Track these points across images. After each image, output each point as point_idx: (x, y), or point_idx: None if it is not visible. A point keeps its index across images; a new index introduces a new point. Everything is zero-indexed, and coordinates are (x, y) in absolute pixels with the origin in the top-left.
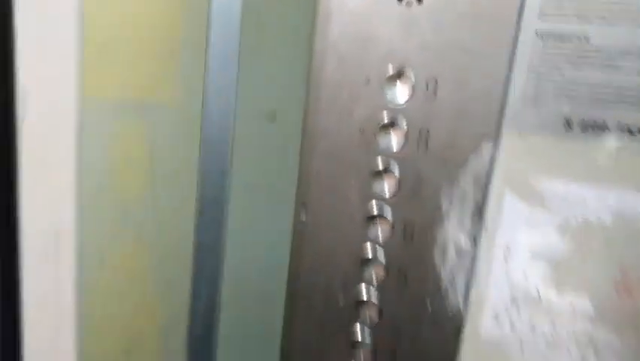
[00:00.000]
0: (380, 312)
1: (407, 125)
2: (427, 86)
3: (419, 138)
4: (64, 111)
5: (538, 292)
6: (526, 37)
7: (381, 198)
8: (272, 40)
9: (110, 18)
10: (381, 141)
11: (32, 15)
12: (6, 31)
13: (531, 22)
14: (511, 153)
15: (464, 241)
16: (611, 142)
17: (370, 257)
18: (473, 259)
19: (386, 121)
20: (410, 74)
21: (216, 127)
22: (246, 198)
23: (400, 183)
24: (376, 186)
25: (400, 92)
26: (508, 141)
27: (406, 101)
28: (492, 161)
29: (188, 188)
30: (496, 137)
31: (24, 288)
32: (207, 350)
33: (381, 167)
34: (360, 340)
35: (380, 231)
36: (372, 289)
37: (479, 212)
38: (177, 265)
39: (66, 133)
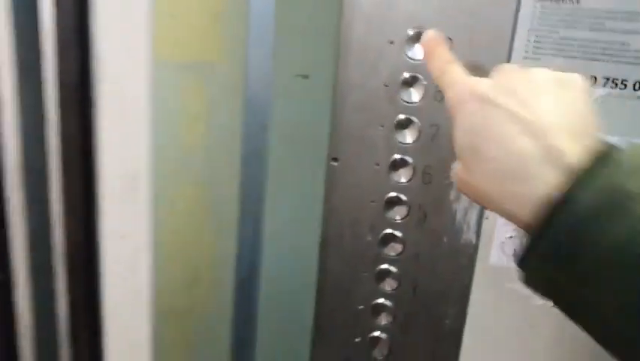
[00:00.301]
0: (403, 246)
1: (426, 79)
2: None
3: (436, 91)
4: (137, 73)
5: None
6: (527, 1)
7: (403, 145)
8: (304, 5)
9: None
10: (403, 94)
11: None
12: (83, 1)
13: None
14: None
15: None
16: (598, 92)
17: (394, 198)
18: None
19: (407, 76)
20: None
21: (257, 85)
22: (284, 146)
23: (420, 131)
24: (399, 135)
25: (420, 51)
26: None
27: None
28: None
29: (236, 138)
30: None
31: (104, 226)
32: (252, 282)
33: (403, 117)
34: (385, 269)
35: (402, 174)
36: (396, 226)
37: None
38: (227, 206)
39: (140, 91)
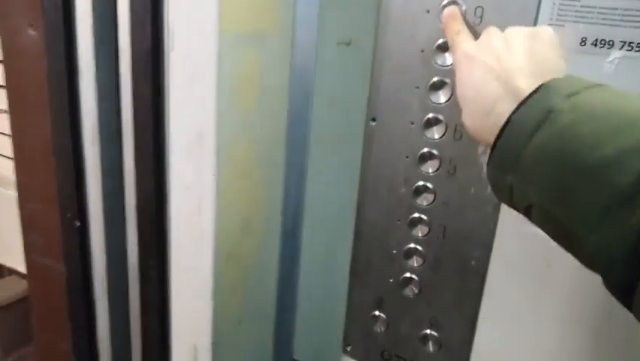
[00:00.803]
0: (434, 196)
1: None
2: (475, 12)
3: None
4: (203, 42)
5: None
6: None
7: (436, 105)
8: None
9: None
10: (438, 58)
11: None
12: None
13: None
14: None
15: None
16: (615, 54)
17: (426, 153)
18: None
19: (442, 42)
20: (461, 3)
21: (303, 52)
22: (327, 108)
23: (452, 92)
24: (433, 95)
25: None
26: None
27: None
28: None
29: (284, 100)
30: None
31: (173, 176)
32: (296, 230)
33: (437, 79)
34: (417, 217)
35: (435, 131)
36: (428, 178)
37: None
38: (275, 162)
39: (206, 58)
